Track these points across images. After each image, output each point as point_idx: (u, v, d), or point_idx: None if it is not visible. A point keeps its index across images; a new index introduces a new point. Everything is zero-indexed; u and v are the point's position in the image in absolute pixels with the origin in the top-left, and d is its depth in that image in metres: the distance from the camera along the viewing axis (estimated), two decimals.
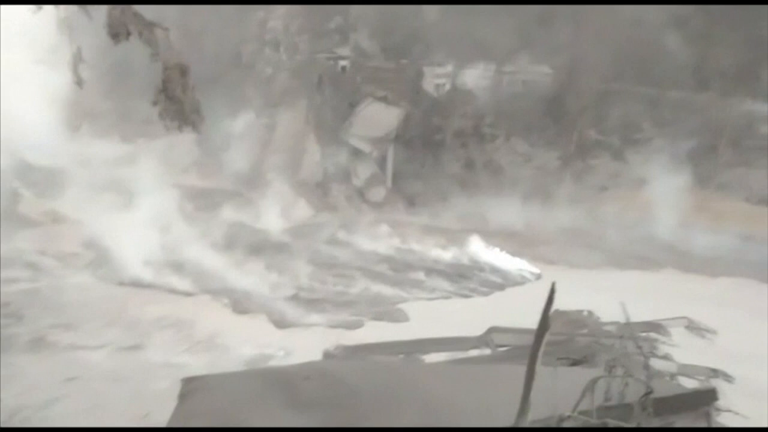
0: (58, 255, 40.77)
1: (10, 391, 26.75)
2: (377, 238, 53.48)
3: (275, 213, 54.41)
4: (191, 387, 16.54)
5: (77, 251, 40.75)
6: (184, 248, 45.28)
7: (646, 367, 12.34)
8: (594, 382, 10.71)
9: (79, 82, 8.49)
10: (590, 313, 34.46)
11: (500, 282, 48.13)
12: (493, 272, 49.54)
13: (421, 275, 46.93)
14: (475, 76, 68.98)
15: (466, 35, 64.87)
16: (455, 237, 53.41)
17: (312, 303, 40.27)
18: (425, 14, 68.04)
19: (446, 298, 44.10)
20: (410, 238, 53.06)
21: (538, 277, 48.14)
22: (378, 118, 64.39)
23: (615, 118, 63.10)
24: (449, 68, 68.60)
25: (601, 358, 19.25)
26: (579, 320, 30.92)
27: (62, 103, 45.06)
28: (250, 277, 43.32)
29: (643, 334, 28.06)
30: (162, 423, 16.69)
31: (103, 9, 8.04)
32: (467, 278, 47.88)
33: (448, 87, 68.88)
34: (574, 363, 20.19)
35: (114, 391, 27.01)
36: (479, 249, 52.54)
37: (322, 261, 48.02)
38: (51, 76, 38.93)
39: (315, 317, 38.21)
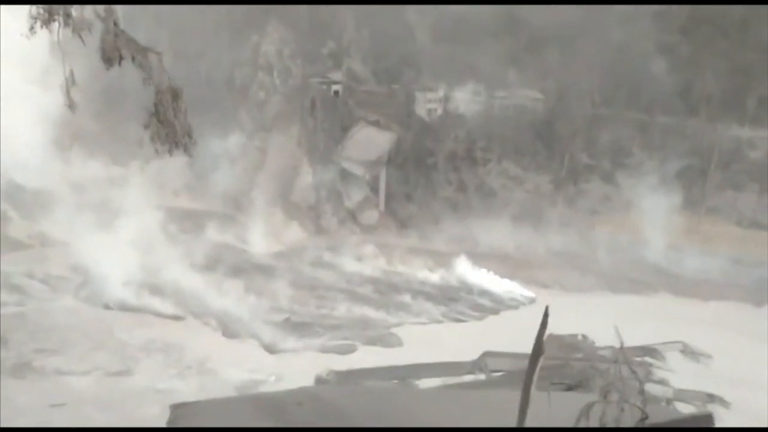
0: (45, 278, 40.21)
1: None
2: (365, 260, 53.38)
3: (267, 236, 54.16)
4: (180, 413, 16.18)
5: (64, 274, 40.21)
6: (172, 271, 44.81)
7: (642, 392, 12.21)
8: (589, 407, 10.50)
9: (71, 106, 8.42)
10: (585, 337, 34.29)
11: (491, 305, 47.94)
12: (482, 295, 49.41)
13: (407, 298, 46.69)
14: (466, 101, 69.78)
15: (457, 60, 65.78)
16: (444, 259, 53.45)
17: (303, 327, 39.84)
18: (417, 39, 69.03)
19: (437, 322, 43.80)
20: (399, 260, 53.00)
21: (532, 300, 48.03)
22: (370, 141, 64.76)
23: (605, 142, 63.90)
24: (441, 93, 69.38)
25: (596, 383, 19.09)
26: (573, 344, 30.76)
27: (53, 126, 44.95)
28: (239, 301, 42.92)
29: (639, 359, 27.96)
30: None
31: (96, 34, 8.01)
32: (455, 300, 47.68)
33: (440, 111, 69.55)
34: (569, 388, 19.99)
35: (102, 417, 26.37)
36: (468, 271, 52.47)
37: (311, 284, 47.72)
38: (43, 98, 38.94)
39: (306, 341, 37.76)
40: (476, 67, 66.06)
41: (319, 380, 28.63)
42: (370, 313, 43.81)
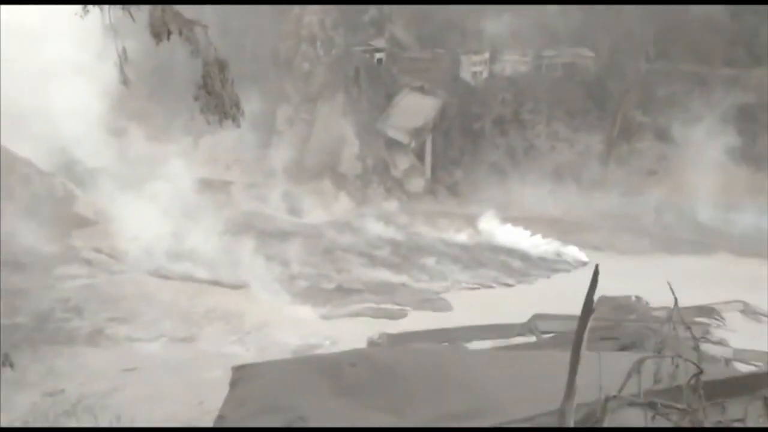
0: (112, 252, 42.52)
1: (74, 381, 28.21)
2: (411, 225, 53.75)
3: (316, 206, 55.11)
4: (242, 375, 17.09)
5: (128, 248, 42.40)
6: (225, 241, 46.47)
7: (697, 349, 12.02)
8: (641, 362, 10.44)
9: (125, 82, 8.81)
10: (638, 298, 33.56)
11: (541, 269, 47.45)
12: (531, 259, 48.93)
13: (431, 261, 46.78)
14: (513, 62, 67.86)
15: (502, 20, 63.83)
16: (492, 224, 53.04)
17: (354, 293, 40.74)
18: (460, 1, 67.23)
19: (487, 287, 43.80)
20: (439, 225, 53.24)
21: (583, 263, 47.24)
22: (415, 108, 64.20)
23: (661, 98, 60.90)
24: (486, 55, 67.67)
25: (650, 344, 18.84)
26: (627, 306, 30.21)
27: (109, 104, 46.80)
28: (292, 269, 44.14)
29: (697, 319, 27.28)
30: (215, 410, 17.29)
31: (145, 11, 8.33)
32: (504, 265, 47.42)
33: (485, 74, 67.99)
34: (623, 348, 19.80)
35: (170, 380, 28.09)
36: (517, 235, 51.91)
37: (360, 251, 48.44)
38: (97, 76, 40.53)
39: (358, 307, 38.63)
40: (523, 27, 63.97)
41: (371, 343, 29.41)
42: (417, 275, 44.35)
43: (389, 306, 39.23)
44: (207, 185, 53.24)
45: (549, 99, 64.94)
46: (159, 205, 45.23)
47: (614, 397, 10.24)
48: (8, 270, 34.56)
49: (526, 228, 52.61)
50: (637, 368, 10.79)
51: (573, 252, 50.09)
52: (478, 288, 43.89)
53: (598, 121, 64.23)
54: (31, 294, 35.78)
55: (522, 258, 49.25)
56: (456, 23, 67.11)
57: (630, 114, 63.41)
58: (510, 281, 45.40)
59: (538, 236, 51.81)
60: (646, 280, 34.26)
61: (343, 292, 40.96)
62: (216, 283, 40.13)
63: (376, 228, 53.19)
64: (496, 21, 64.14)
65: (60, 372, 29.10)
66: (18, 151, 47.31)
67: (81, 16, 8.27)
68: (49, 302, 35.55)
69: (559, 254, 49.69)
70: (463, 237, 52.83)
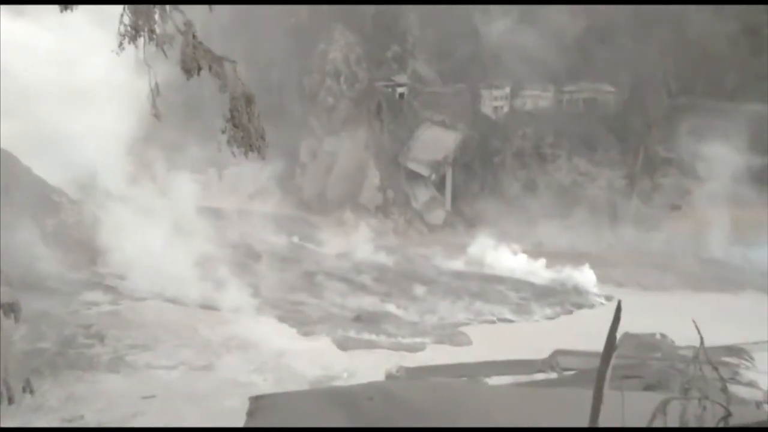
0: (134, 279, 43.14)
1: (93, 407, 28.33)
2: (437, 256, 53.61)
3: (337, 237, 55.41)
4: (259, 405, 17.05)
5: (153, 276, 43.01)
6: (250, 270, 46.83)
7: (725, 390, 11.66)
8: (666, 403, 10.16)
9: (157, 115, 9.14)
10: (663, 336, 32.73)
11: (564, 304, 46.68)
12: (555, 294, 48.22)
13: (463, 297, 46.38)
14: (534, 97, 68.32)
15: (523, 56, 64.59)
16: (510, 257, 52.69)
17: (373, 324, 40.50)
18: (482, 36, 68.34)
19: (507, 321, 43.24)
20: (450, 255, 53.08)
21: (607, 299, 46.37)
22: (436, 141, 64.78)
23: (684, 133, 60.50)
24: (507, 90, 68.32)
25: (675, 384, 18.33)
26: (651, 343, 29.47)
27: (139, 134, 48.13)
28: (311, 299, 44.18)
29: (725, 359, 26.44)
30: None
31: (176, 47, 8.67)
32: (528, 300, 46.80)
33: (506, 109, 68.52)
34: (648, 387, 19.27)
35: (189, 409, 28.06)
36: (539, 269, 51.37)
37: (382, 281, 48.38)
38: (129, 107, 41.87)
39: (377, 339, 38.37)
40: (544, 62, 64.59)
41: (389, 376, 29.08)
42: (439, 308, 44.03)
43: (407, 339, 38.88)
44: (230, 215, 54.03)
45: (570, 133, 65.03)
46: (184, 234, 45.98)
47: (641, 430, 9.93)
48: (34, 295, 35.20)
49: (547, 262, 52.05)
50: (662, 409, 10.50)
51: (596, 287, 49.30)
52: (497, 322, 43.30)
53: (620, 155, 63.92)
54: (56, 319, 36.33)
55: (543, 293, 48.56)
56: (478, 59, 68.11)
57: (652, 149, 63.04)
58: (534, 317, 44.72)
59: (561, 271, 51.16)
60: (671, 317, 33.47)
61: (362, 323, 40.78)
62: (236, 311, 40.38)
63: (386, 259, 53.21)
64: (518, 56, 64.89)
65: (80, 398, 29.27)
66: (48, 177, 48.79)
67: (117, 54, 8.68)
68: (73, 328, 35.99)
69: (581, 290, 48.93)
70: (482, 270, 52.47)
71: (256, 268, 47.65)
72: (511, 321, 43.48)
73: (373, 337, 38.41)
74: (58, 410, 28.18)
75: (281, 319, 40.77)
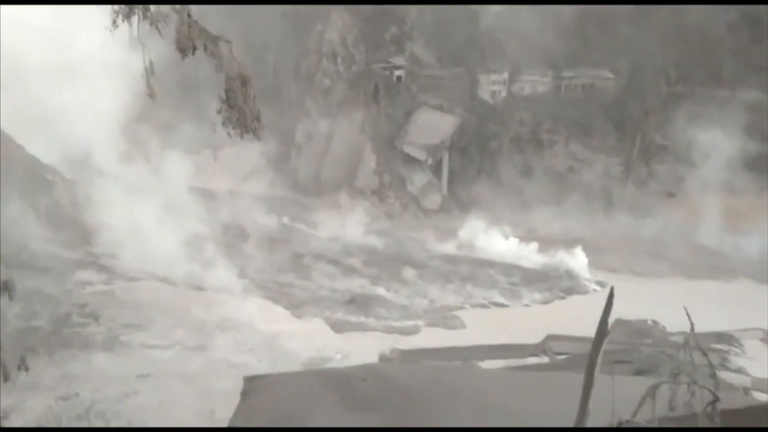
0: (128, 258, 43.13)
1: (88, 386, 28.52)
2: (432, 241, 53.77)
3: (332, 220, 55.39)
4: (253, 385, 17.18)
5: (145, 255, 43.01)
6: (242, 251, 46.89)
7: (713, 376, 11.82)
8: (655, 387, 10.29)
9: (151, 95, 9.03)
10: (655, 322, 33.08)
11: (557, 290, 47.02)
12: (548, 279, 48.51)
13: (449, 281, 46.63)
14: (532, 82, 68.02)
15: (522, 41, 64.14)
16: (505, 243, 52.92)
17: (368, 307, 40.72)
18: (481, 21, 67.79)
19: (500, 306, 43.53)
20: (445, 239, 53.36)
21: (600, 285, 46.72)
22: (433, 125, 64.53)
23: (681, 121, 60.52)
24: (505, 75, 67.95)
25: (665, 369, 18.55)
26: (643, 330, 29.78)
27: (133, 113, 47.75)
28: (305, 281, 44.32)
29: (715, 346, 26.75)
30: (226, 420, 17.38)
31: (171, 26, 8.55)
32: (518, 285, 47.06)
33: (504, 93, 68.22)
34: (638, 372, 19.51)
35: (182, 388, 28.27)
36: (531, 255, 51.62)
37: (377, 264, 48.52)
38: (123, 86, 41.45)
39: (371, 322, 38.60)
40: (542, 47, 64.19)
41: (383, 358, 29.34)
42: (429, 291, 44.25)
43: (402, 322, 39.14)
44: (224, 196, 53.87)
45: (567, 119, 64.89)
46: (176, 215, 45.85)
47: (627, 422, 10.09)
48: (28, 274, 35.18)
49: (541, 248, 52.27)
50: (651, 393, 10.63)
51: (588, 272, 49.59)
52: (491, 307, 43.59)
53: (617, 142, 63.91)
54: (50, 298, 36.36)
55: (536, 278, 48.83)
56: (476, 43, 67.60)
57: (649, 136, 63.04)
58: (524, 301, 45.03)
59: (554, 256, 51.40)
60: (664, 304, 33.80)
61: (356, 305, 40.99)
62: (226, 292, 40.51)
63: (377, 242, 53.28)
64: (517, 41, 64.45)
65: (75, 376, 29.43)
66: (42, 155, 48.42)
67: (111, 31, 8.54)
68: (67, 307, 36.07)
69: (573, 275, 49.22)
70: (475, 255, 52.67)
71: (248, 249, 47.67)
72: (504, 305, 43.80)
73: (365, 319, 38.65)
74: (53, 388, 28.34)
75: (275, 300, 40.94)
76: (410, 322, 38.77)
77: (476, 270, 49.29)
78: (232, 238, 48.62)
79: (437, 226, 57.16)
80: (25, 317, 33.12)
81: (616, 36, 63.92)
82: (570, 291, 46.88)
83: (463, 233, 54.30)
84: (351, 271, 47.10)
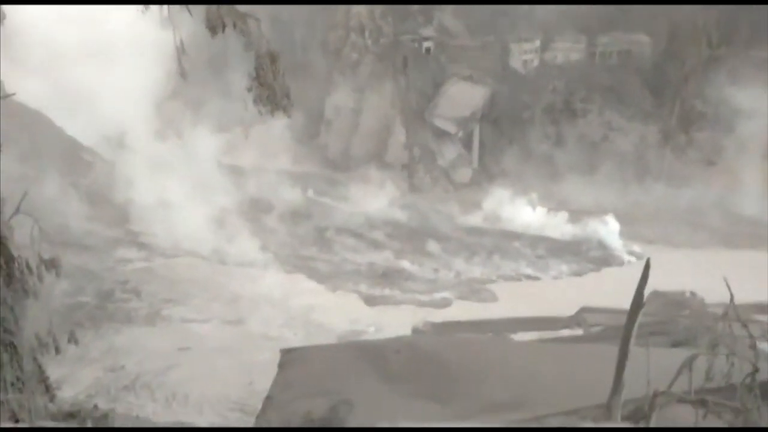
0: (167, 236, 44.34)
1: (132, 359, 29.76)
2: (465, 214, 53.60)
3: (362, 194, 55.55)
4: (290, 357, 17.68)
5: (179, 232, 44.13)
6: (277, 228, 47.58)
7: (754, 347, 11.56)
8: (692, 359, 10.16)
9: (183, 74, 9.14)
10: (693, 294, 32.37)
11: (591, 261, 46.38)
12: (581, 252, 47.81)
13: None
14: (565, 50, 66.10)
15: (554, 7, 62.17)
16: (535, 215, 52.44)
17: (401, 281, 41.01)
18: None
19: (533, 278, 43.22)
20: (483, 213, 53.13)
21: (637, 256, 45.84)
22: (463, 97, 63.54)
23: (723, 86, 57.97)
24: (537, 43, 66.15)
25: (703, 341, 18.25)
26: (680, 301, 29.23)
27: (166, 93, 48.43)
28: (339, 256, 44.78)
29: (755, 317, 26.09)
30: (264, 391, 17.93)
31: (201, 5, 8.61)
32: (552, 256, 46.54)
33: (536, 62, 66.50)
34: (675, 344, 19.26)
35: (221, 361, 29.29)
36: (563, 225, 50.91)
37: (409, 238, 48.63)
38: (155, 69, 41.99)
39: (404, 295, 38.90)
40: (575, 13, 62.10)
41: (415, 331, 29.63)
42: (458, 264, 44.26)
43: (433, 295, 39.32)
44: (255, 173, 54.47)
45: (602, 87, 62.99)
46: (208, 191, 46.70)
47: (663, 393, 10.02)
48: (73, 251, 36.55)
49: (573, 219, 51.47)
50: (688, 365, 10.50)
51: (625, 244, 48.71)
52: (522, 279, 43.35)
53: (654, 109, 61.85)
54: (94, 275, 37.79)
55: (569, 250, 48.23)
56: (506, 10, 65.80)
57: (689, 103, 60.76)
58: (556, 273, 44.60)
59: (587, 227, 50.59)
60: (702, 275, 33.01)
61: (388, 278, 41.33)
62: (260, 266, 41.33)
63: (408, 215, 53.22)
64: (549, 6, 62.50)
65: (120, 349, 30.72)
66: (79, 137, 49.72)
67: (143, 12, 8.66)
68: (110, 283, 37.46)
69: (608, 246, 48.41)
70: (509, 227, 52.23)
71: (280, 224, 48.34)
72: (536, 278, 43.49)
73: (398, 293, 38.95)
74: (100, 360, 29.64)
75: (308, 275, 41.60)
76: (440, 295, 38.91)
77: (506, 242, 48.96)
78: (264, 214, 49.30)
79: (468, 199, 56.76)
80: (72, 293, 34.55)
81: None
82: (604, 262, 46.22)
83: (496, 206, 53.87)
84: (376, 245, 47.36)
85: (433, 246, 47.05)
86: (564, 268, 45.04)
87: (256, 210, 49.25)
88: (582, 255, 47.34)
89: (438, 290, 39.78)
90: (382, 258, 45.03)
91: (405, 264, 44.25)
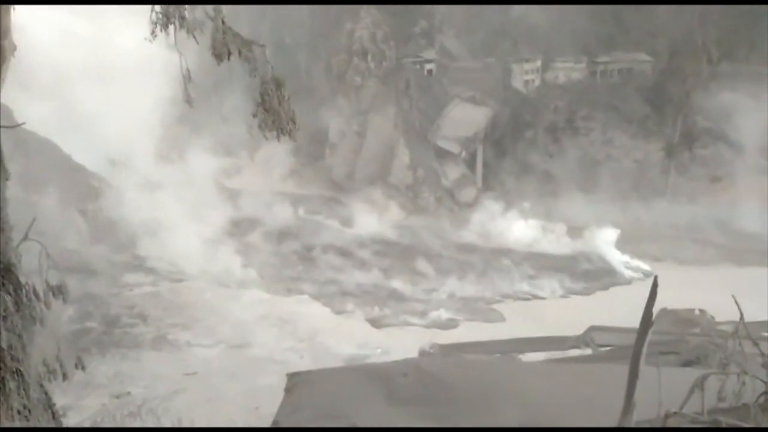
0: (172, 261, 44.46)
1: (139, 384, 29.61)
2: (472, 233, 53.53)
3: (367, 216, 55.64)
4: (296, 381, 17.53)
5: (188, 257, 44.25)
6: (283, 251, 47.62)
7: (766, 366, 11.41)
8: (703, 378, 10.04)
9: (189, 101, 9.27)
10: (702, 312, 32.06)
11: (598, 280, 46.06)
12: (589, 270, 47.50)
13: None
14: (566, 69, 66.68)
15: (555, 28, 62.87)
16: (545, 234, 52.19)
17: (405, 302, 40.82)
18: (511, 9, 66.77)
19: (539, 298, 42.93)
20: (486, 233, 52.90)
21: (645, 274, 45.53)
22: (466, 118, 63.99)
23: (725, 102, 58.15)
24: (538, 63, 66.80)
25: (714, 360, 17.99)
26: (689, 319, 28.95)
27: (172, 118, 48.98)
28: (344, 278, 44.71)
29: (765, 334, 25.74)
30: (271, 415, 17.77)
31: (207, 33, 8.76)
32: (561, 272, 46.25)
33: (537, 82, 67.07)
34: (685, 363, 19.01)
35: (228, 385, 29.10)
36: (569, 245, 50.69)
37: (413, 259, 48.57)
38: (160, 97, 42.49)
39: (409, 317, 38.68)
40: (576, 33, 62.77)
41: (422, 353, 29.38)
42: (461, 284, 44.09)
43: (440, 315, 39.09)
44: (261, 197, 54.74)
45: (604, 106, 63.34)
46: (214, 216, 46.92)
47: (675, 413, 9.86)
48: (80, 277, 36.67)
49: (577, 238, 51.29)
50: (699, 385, 10.36)
51: (631, 263, 48.42)
52: (531, 299, 43.07)
53: (657, 127, 62.03)
54: (101, 300, 37.82)
55: (576, 269, 47.96)
56: (507, 32, 66.64)
57: (691, 119, 60.95)
58: (564, 292, 44.32)
59: (593, 246, 50.36)
60: (711, 292, 32.74)
61: (396, 299, 41.16)
62: (269, 291, 41.27)
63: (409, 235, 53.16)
64: (550, 28, 63.23)
65: (126, 374, 30.58)
66: (86, 162, 50.18)
67: (150, 41, 8.82)
68: (117, 308, 37.46)
69: (616, 265, 48.14)
70: (513, 246, 52.05)
71: (289, 248, 48.40)
72: (542, 298, 43.21)
73: (403, 315, 38.75)
74: (107, 386, 29.48)
75: (314, 297, 41.51)
76: (447, 315, 38.68)
77: (511, 261, 48.75)
78: (269, 238, 49.41)
79: (473, 218, 56.71)
80: (79, 319, 34.54)
81: (653, 16, 61.98)
82: (611, 281, 45.91)
83: (497, 224, 53.79)
84: (381, 268, 47.26)
85: (439, 263, 46.95)
86: (570, 286, 44.76)
87: (262, 234, 49.40)
88: (589, 274, 47.05)
89: (445, 310, 39.56)
90: (388, 279, 44.89)
91: (406, 284, 44.14)
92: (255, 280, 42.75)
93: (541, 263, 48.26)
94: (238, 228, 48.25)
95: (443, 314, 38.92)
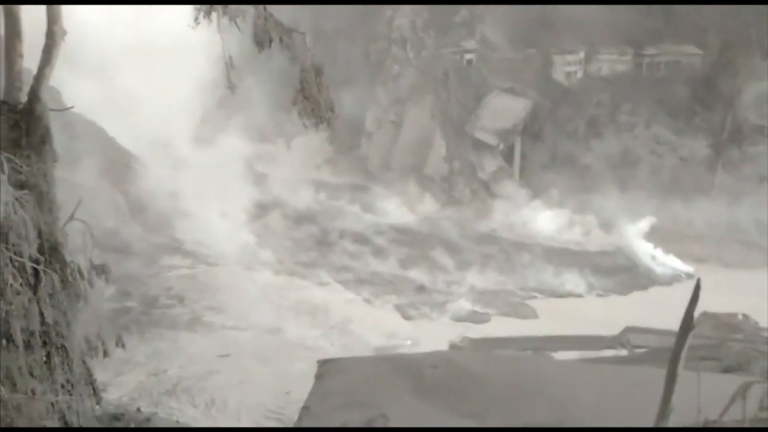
0: (212, 244, 45.43)
1: (174, 363, 30.48)
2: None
3: (401, 207, 55.59)
4: (327, 368, 17.65)
5: (226, 241, 45.14)
6: (317, 240, 48.07)
7: None
8: (746, 387, 9.65)
9: (231, 87, 9.36)
10: (746, 316, 30.95)
11: (638, 279, 44.97)
12: (629, 269, 46.42)
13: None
14: (610, 62, 64.89)
15: (600, 19, 61.11)
16: (584, 230, 51.16)
17: (438, 295, 40.75)
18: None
19: (576, 296, 42.22)
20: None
21: (687, 275, 44.26)
22: (505, 109, 63.03)
23: None
24: (581, 55, 65.16)
25: (757, 367, 17.36)
26: (732, 324, 27.99)
27: (213, 104, 49.77)
28: (379, 269, 44.89)
29: None
30: (301, 400, 18.00)
31: (249, 20, 8.81)
32: (596, 273, 45.34)
33: (580, 74, 65.46)
34: (726, 370, 18.40)
35: (260, 369, 29.67)
36: (611, 243, 49.55)
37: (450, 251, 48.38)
38: (203, 83, 43.17)
39: (441, 309, 38.61)
40: (621, 24, 60.89)
41: (453, 346, 29.34)
42: (498, 278, 43.68)
43: (471, 309, 38.88)
44: (298, 185, 55.30)
45: (649, 100, 61.41)
46: (252, 204, 47.62)
47: (714, 422, 9.52)
48: (121, 257, 37.83)
49: (620, 236, 50.12)
50: (741, 393, 9.96)
51: (674, 263, 47.10)
52: (567, 296, 42.39)
53: (704, 123, 59.87)
54: (140, 281, 39.00)
55: (615, 267, 46.93)
56: (550, 22, 65.10)
57: (741, 115, 58.56)
58: (602, 291, 43.46)
59: (634, 245, 49.15)
60: (756, 296, 31.60)
61: (428, 292, 41.12)
62: (304, 277, 41.78)
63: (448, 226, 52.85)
64: (594, 18, 61.49)
65: (163, 354, 31.51)
66: (129, 146, 51.54)
67: (193, 28, 8.93)
68: (156, 289, 38.58)
69: (658, 265, 46.90)
70: (551, 243, 51.27)
71: (323, 237, 48.79)
72: (579, 296, 42.48)
73: (433, 307, 38.69)
74: (145, 365, 30.43)
75: (346, 285, 41.83)
76: (480, 310, 38.44)
77: (546, 258, 48.03)
78: (307, 226, 49.88)
79: (508, 211, 56.02)
80: (119, 298, 35.69)
81: (704, 8, 59.60)
82: (653, 281, 44.78)
83: (534, 218, 53.01)
84: (425, 258, 47.22)
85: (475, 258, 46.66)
86: (605, 284, 43.87)
87: (299, 223, 49.91)
88: (629, 272, 46.01)
89: (478, 304, 39.34)
90: (426, 273, 44.87)
91: (438, 275, 44.02)
92: (291, 269, 43.27)
93: (575, 260, 47.46)
94: (267, 215, 48.79)
95: (472, 308, 38.69)
